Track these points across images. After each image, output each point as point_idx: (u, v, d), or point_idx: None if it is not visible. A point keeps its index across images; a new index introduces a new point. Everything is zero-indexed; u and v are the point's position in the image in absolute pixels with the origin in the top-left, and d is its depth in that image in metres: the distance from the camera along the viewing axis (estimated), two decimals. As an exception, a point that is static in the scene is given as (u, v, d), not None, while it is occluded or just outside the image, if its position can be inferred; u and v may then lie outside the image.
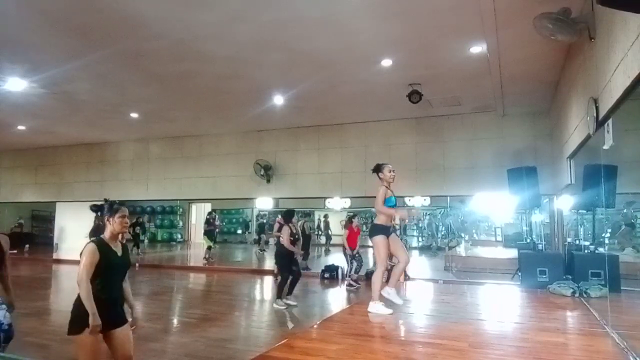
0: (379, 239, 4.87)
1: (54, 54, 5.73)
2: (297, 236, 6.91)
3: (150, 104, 8.21)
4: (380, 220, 4.94)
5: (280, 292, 6.62)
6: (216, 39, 5.27)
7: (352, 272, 8.47)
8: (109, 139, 11.70)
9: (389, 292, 5.07)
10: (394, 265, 5.26)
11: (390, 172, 4.99)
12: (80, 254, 2.70)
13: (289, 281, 6.69)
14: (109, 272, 2.70)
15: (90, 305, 2.56)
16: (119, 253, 2.81)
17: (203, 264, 11.79)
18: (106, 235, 2.79)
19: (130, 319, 2.88)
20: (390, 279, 5.07)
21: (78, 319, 2.60)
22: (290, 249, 6.67)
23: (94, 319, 2.55)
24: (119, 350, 2.74)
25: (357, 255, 8.55)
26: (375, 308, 4.81)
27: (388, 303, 4.90)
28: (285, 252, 6.71)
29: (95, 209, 2.92)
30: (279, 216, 9.67)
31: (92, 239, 2.79)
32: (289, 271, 6.70)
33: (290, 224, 6.89)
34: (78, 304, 2.63)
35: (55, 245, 13.25)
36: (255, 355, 3.73)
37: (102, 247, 2.71)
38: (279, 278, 9.03)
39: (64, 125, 10.01)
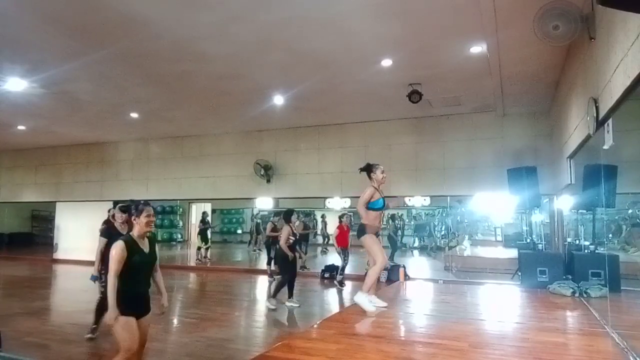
0: (368, 237, 4.78)
1: (54, 54, 5.73)
2: (297, 237, 6.84)
3: (150, 104, 8.21)
4: (367, 219, 4.83)
5: (277, 292, 6.55)
6: (216, 39, 5.27)
7: (340, 271, 8.57)
8: (109, 139, 11.70)
9: (370, 300, 4.82)
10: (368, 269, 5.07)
11: (382, 173, 4.89)
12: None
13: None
14: (135, 269, 2.90)
15: (112, 298, 2.81)
16: (146, 250, 3.00)
17: (196, 264, 11.86)
18: (134, 233, 2.98)
19: (162, 304, 3.16)
20: (366, 284, 4.80)
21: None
22: (286, 252, 6.57)
23: (112, 311, 2.80)
24: (139, 337, 2.96)
25: (346, 254, 8.62)
26: (362, 299, 4.70)
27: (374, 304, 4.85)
28: (284, 253, 6.64)
29: (124, 208, 3.15)
30: (272, 217, 9.73)
31: (122, 238, 2.98)
32: (290, 272, 6.63)
33: (290, 224, 6.81)
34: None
35: (55, 245, 13.24)
36: (255, 355, 3.74)
37: (130, 244, 2.91)
38: (275, 278, 9.09)
39: (64, 125, 10.01)
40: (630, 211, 8.39)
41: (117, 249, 2.85)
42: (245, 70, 6.34)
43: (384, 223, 12.97)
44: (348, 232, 8.69)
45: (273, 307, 6.44)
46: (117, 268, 2.83)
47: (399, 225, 12.75)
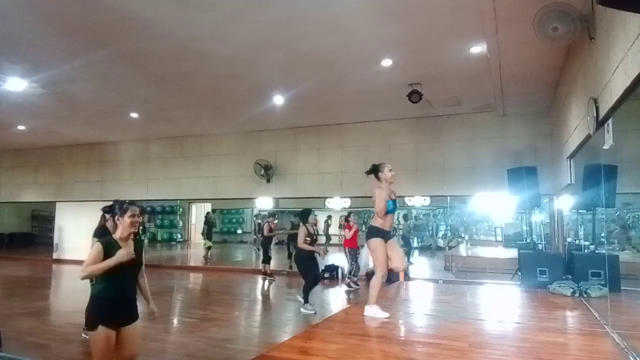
0: (375, 242, 4.64)
1: (54, 54, 5.73)
2: (315, 237, 6.46)
3: (150, 104, 8.21)
4: (377, 222, 4.70)
5: (307, 296, 6.20)
6: (216, 39, 5.27)
7: (352, 274, 8.33)
8: (109, 139, 11.70)
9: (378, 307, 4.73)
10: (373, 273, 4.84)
11: (390, 171, 4.74)
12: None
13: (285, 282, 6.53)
14: (118, 272, 2.67)
15: (99, 267, 2.60)
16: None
17: (203, 263, 11.97)
18: (117, 234, 2.78)
19: (149, 311, 2.99)
20: (371, 296, 4.70)
21: (92, 316, 2.73)
22: (308, 249, 6.24)
23: (112, 261, 2.60)
24: (126, 347, 2.75)
25: (357, 255, 8.49)
26: (372, 312, 4.64)
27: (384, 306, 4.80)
28: (304, 254, 6.29)
29: (107, 209, 2.95)
30: (267, 217, 9.73)
31: (100, 239, 2.79)
32: (312, 273, 6.27)
33: (307, 224, 6.42)
34: (91, 302, 2.76)
35: (55, 245, 13.24)
36: (255, 355, 3.74)
37: (109, 247, 2.69)
38: (273, 278, 9.08)
39: (64, 125, 10.01)
40: (618, 213, 8.41)
41: (93, 250, 2.67)
42: (245, 70, 6.34)
43: (397, 222, 12.94)
44: (357, 232, 8.44)
45: (311, 311, 6.08)
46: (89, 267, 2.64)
47: (411, 225, 12.65)
